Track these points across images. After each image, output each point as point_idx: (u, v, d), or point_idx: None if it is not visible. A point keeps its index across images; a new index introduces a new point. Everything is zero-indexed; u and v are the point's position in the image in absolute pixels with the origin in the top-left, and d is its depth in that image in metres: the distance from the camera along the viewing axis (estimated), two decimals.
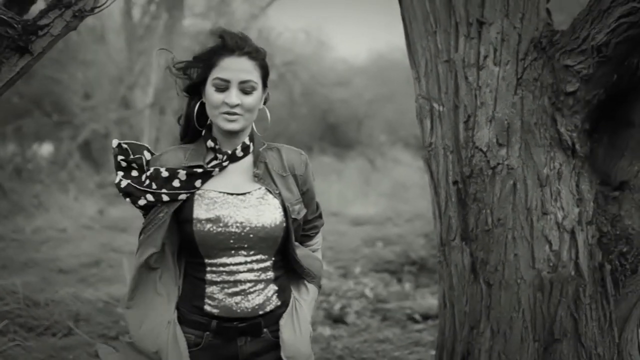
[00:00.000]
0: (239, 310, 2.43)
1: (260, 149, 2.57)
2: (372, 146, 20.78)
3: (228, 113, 2.39)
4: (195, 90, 2.52)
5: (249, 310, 2.44)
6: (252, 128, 2.56)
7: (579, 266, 3.49)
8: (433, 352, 5.10)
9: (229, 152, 2.48)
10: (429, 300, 6.97)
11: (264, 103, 2.57)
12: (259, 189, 2.47)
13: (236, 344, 2.47)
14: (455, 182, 3.66)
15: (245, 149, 2.51)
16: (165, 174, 2.43)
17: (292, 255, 2.54)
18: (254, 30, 18.88)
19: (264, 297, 2.47)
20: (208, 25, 18.53)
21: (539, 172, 3.49)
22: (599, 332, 3.55)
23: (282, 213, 2.46)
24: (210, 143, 2.50)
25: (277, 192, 2.49)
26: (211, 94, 2.41)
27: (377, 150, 20.43)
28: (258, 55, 2.45)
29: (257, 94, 2.43)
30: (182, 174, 2.43)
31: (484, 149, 3.51)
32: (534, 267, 3.47)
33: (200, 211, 2.39)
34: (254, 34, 18.64)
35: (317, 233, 2.80)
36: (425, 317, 6.47)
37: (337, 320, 6.39)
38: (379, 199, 14.58)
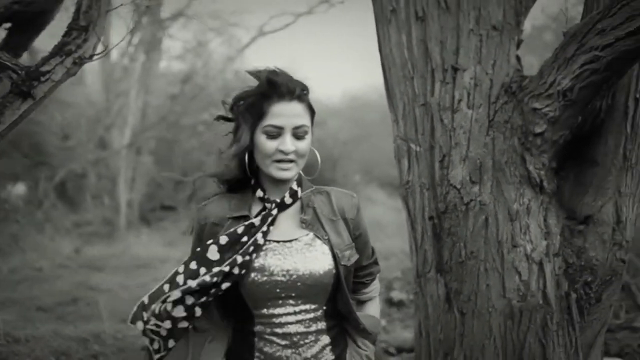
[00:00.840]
0: None
1: (309, 193, 2.44)
2: (347, 186, 20.74)
3: (282, 161, 2.26)
4: (239, 137, 2.35)
5: None
6: (300, 174, 2.43)
7: (546, 295, 3.66)
8: None
9: (278, 200, 2.34)
10: (403, 334, 7.12)
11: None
12: (307, 235, 2.33)
13: None
14: (430, 218, 3.81)
15: (294, 195, 2.38)
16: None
17: (344, 306, 2.36)
18: (230, 72, 18.97)
19: (317, 348, 2.31)
20: (185, 68, 18.67)
21: (509, 208, 3.65)
22: (566, 357, 3.70)
23: (331, 259, 2.31)
24: (259, 193, 2.37)
25: (326, 237, 2.34)
26: (263, 142, 2.27)
27: (352, 190, 20.30)
28: (306, 97, 2.34)
29: (309, 138, 2.32)
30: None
31: (458, 186, 3.67)
32: (505, 297, 3.63)
33: None
34: (230, 75, 18.80)
35: (372, 280, 2.62)
36: (400, 349, 6.62)
37: None
38: None
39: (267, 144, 2.25)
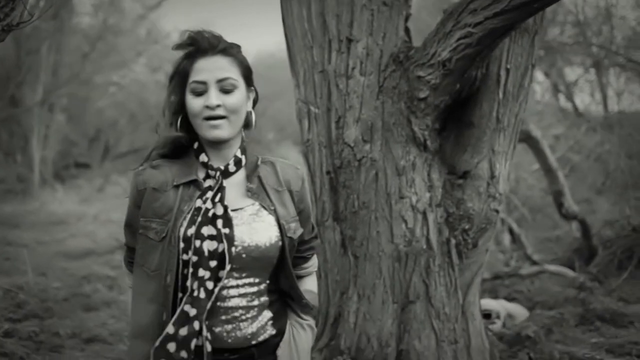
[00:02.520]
0: (230, 340, 2.10)
1: (254, 162, 2.27)
2: (261, 143, 20.74)
3: (210, 118, 2.10)
4: (181, 109, 2.19)
5: (241, 339, 2.12)
6: (243, 139, 2.26)
7: (429, 241, 4.07)
8: None
9: (222, 167, 2.17)
10: None
11: (253, 106, 2.28)
12: (253, 204, 2.17)
13: None
14: (328, 172, 4.15)
15: (238, 163, 2.21)
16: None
17: (287, 280, 2.23)
18: (143, 30, 18.84)
19: (257, 324, 2.15)
20: (96, 23, 18.41)
21: (396, 164, 4.02)
22: (447, 295, 4.14)
23: (277, 231, 2.16)
24: (203, 157, 2.18)
25: (272, 208, 2.18)
26: (190, 102, 2.13)
27: (266, 148, 20.23)
28: (234, 51, 2.18)
29: (240, 93, 2.14)
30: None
31: (352, 145, 4.01)
32: (393, 242, 4.03)
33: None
34: (142, 34, 18.67)
35: (312, 255, 2.45)
36: None
37: None
38: None
39: (193, 102, 2.11)
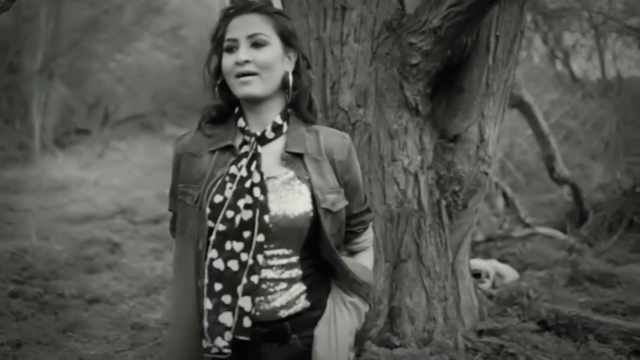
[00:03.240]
0: (257, 313, 2.02)
1: (296, 128, 2.15)
2: None
3: (240, 74, 2.02)
4: (220, 73, 2.13)
5: (270, 312, 2.04)
6: (286, 102, 2.16)
7: (420, 202, 4.22)
8: None
9: (258, 133, 2.08)
10: None
11: (296, 74, 2.15)
12: (287, 173, 2.06)
13: (260, 351, 2.09)
14: None
15: (277, 129, 2.11)
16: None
17: (329, 255, 2.11)
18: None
19: (287, 297, 2.06)
20: None
21: (389, 128, 4.14)
22: (437, 254, 4.30)
23: (310, 201, 2.04)
24: (241, 122, 2.12)
25: (307, 177, 2.06)
26: (223, 60, 2.08)
27: None
28: (269, 9, 2.11)
29: (273, 50, 2.06)
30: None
31: (346, 109, 4.09)
32: (385, 203, 4.16)
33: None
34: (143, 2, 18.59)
35: (365, 229, 2.32)
36: None
37: None
38: None
39: (225, 60, 2.06)
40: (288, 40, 2.11)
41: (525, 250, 7.40)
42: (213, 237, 1.97)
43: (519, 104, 7.89)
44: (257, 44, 2.04)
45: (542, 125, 8.01)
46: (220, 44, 2.10)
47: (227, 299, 1.96)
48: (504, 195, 9.30)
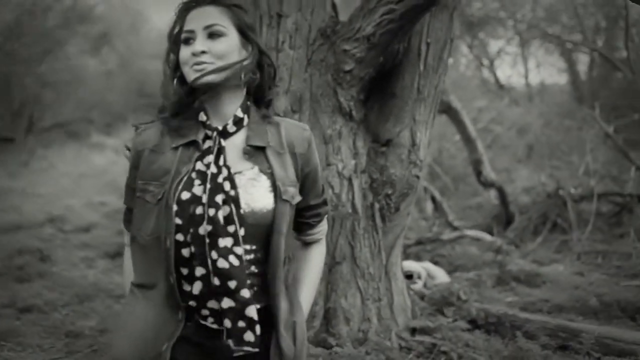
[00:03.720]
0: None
1: (256, 121, 2.12)
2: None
3: (196, 64, 2.00)
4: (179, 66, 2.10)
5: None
6: (245, 96, 2.13)
7: (354, 205, 4.29)
8: None
9: (220, 127, 2.06)
10: None
11: (259, 67, 2.13)
12: (252, 168, 2.04)
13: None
14: None
15: (238, 123, 2.08)
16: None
17: (275, 251, 2.03)
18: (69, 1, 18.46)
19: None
20: None
21: (324, 133, 4.21)
22: (371, 256, 4.38)
23: (274, 196, 2.03)
24: (202, 116, 2.08)
25: (269, 171, 2.05)
26: (180, 52, 2.06)
27: None
28: (226, 2, 2.10)
29: (229, 41, 2.04)
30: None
31: (281, 115, 3.96)
32: None
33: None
34: (68, 3, 18.28)
35: (319, 221, 2.32)
36: None
37: None
38: None
39: (182, 51, 2.04)
40: (245, 33, 2.10)
41: (454, 252, 7.57)
42: (207, 240, 1.94)
43: (448, 110, 8.06)
44: (213, 35, 2.02)
45: (470, 130, 8.20)
46: (178, 37, 2.07)
47: (245, 293, 1.95)
48: (433, 199, 9.48)
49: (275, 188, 2.03)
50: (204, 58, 1.99)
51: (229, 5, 2.09)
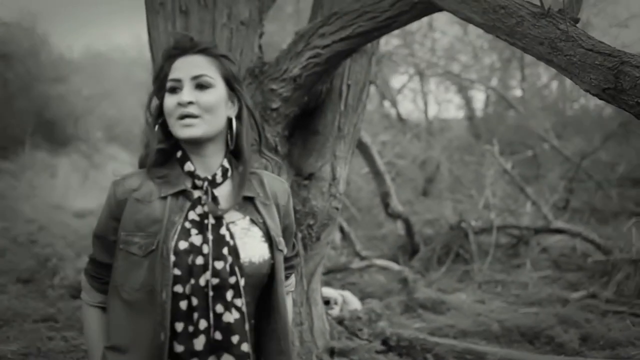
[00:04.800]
0: None
1: (241, 173, 2.11)
2: (89, 142, 19.68)
3: (183, 116, 1.96)
4: (162, 113, 2.07)
5: None
6: (228, 145, 2.11)
7: None
8: None
9: (209, 177, 2.03)
10: None
11: (238, 118, 2.11)
12: (243, 218, 2.03)
13: None
14: None
15: (225, 173, 2.07)
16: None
17: (276, 301, 2.05)
18: None
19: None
20: None
21: (250, 166, 4.40)
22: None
23: (268, 246, 2.02)
24: (189, 166, 2.03)
25: (262, 221, 2.04)
26: (165, 100, 2.01)
27: (94, 147, 19.60)
28: (215, 52, 2.07)
29: (217, 92, 2.02)
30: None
31: None
32: None
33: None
34: None
35: (291, 274, 2.31)
36: None
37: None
38: (101, 193, 14.61)
39: (167, 100, 2.00)
40: (232, 85, 2.08)
41: (364, 280, 7.89)
42: (211, 292, 1.90)
43: (358, 144, 8.35)
44: (201, 86, 2.00)
45: (379, 163, 8.48)
46: (163, 84, 2.04)
47: (245, 347, 1.93)
48: (341, 229, 9.76)
49: (268, 238, 2.03)
50: (190, 109, 1.96)
51: (218, 56, 2.07)
